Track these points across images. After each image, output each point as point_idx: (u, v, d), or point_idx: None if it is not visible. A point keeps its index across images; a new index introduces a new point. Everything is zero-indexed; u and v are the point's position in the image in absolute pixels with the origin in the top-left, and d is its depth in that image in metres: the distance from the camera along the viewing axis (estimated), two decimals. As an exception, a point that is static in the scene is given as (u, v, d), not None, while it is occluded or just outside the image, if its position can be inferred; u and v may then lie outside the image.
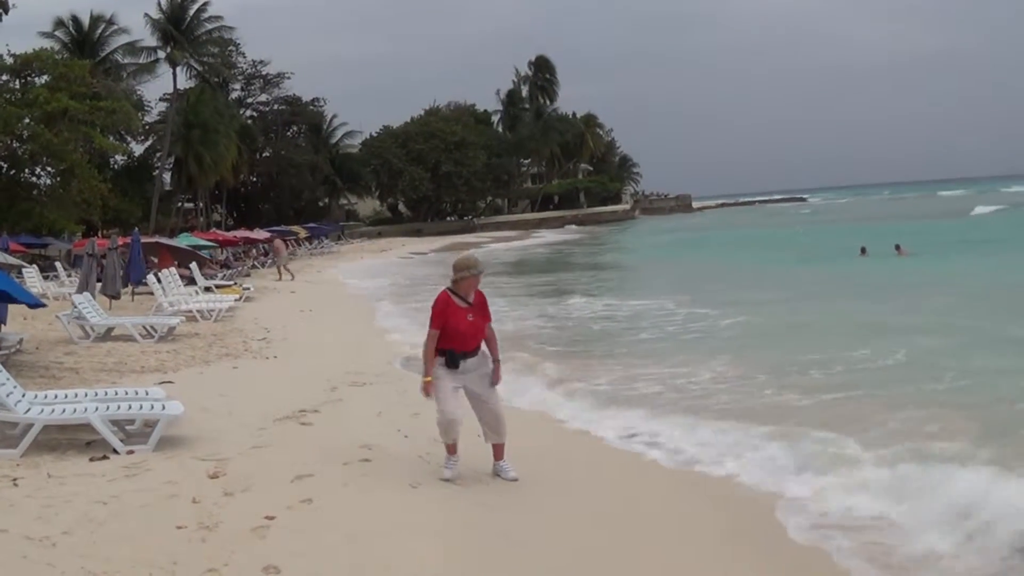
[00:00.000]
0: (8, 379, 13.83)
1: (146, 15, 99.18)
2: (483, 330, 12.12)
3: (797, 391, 17.28)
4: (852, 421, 14.49)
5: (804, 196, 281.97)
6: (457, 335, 11.84)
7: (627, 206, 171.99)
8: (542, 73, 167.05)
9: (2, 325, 23.15)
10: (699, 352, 22.32)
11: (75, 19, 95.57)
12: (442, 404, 11.91)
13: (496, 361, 12.28)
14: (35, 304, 22.76)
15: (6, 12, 66.29)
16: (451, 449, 12.12)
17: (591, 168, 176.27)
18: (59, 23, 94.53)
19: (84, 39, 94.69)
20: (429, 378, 11.92)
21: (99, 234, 47.39)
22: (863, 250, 52.69)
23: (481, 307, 12.09)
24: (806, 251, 60.66)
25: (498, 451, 12.36)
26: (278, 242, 62.77)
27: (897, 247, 51.39)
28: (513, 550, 9.73)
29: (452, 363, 11.84)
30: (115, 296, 32.85)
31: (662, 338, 25.78)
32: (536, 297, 38.99)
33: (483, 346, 12.18)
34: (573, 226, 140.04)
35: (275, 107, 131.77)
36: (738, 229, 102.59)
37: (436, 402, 11.97)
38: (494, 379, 12.18)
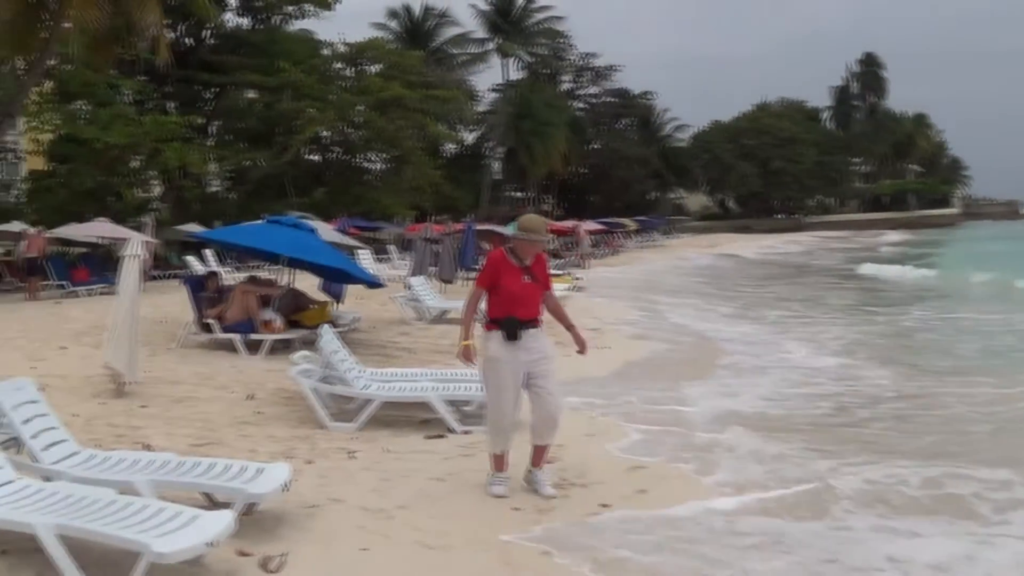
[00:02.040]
0: (348, 356, 14.02)
1: (472, 6, 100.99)
2: (540, 298, 10.37)
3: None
4: None
5: None
6: (513, 298, 10.09)
7: (956, 210, 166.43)
8: (871, 70, 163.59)
9: (339, 304, 23.66)
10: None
11: (407, 10, 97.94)
12: (499, 395, 10.18)
13: (571, 327, 10.70)
14: (374, 283, 23.19)
15: (339, 1, 68.18)
16: (500, 463, 10.37)
17: (921, 169, 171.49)
18: (392, 14, 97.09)
19: (416, 29, 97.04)
20: (468, 341, 10.17)
21: (429, 219, 48.42)
22: None
23: (540, 272, 10.38)
24: None
25: (539, 455, 10.38)
26: (581, 231, 62.57)
27: None
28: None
29: (511, 334, 10.01)
30: (449, 280, 33.29)
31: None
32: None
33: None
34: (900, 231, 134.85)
35: (605, 99, 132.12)
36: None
37: (488, 391, 10.38)
38: (579, 346, 10.70)
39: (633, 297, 35.62)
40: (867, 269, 55.00)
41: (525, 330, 10.08)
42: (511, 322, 10.03)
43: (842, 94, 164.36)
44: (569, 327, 10.70)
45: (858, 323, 28.54)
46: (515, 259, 10.23)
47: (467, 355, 10.16)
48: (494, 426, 10.26)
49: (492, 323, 10.15)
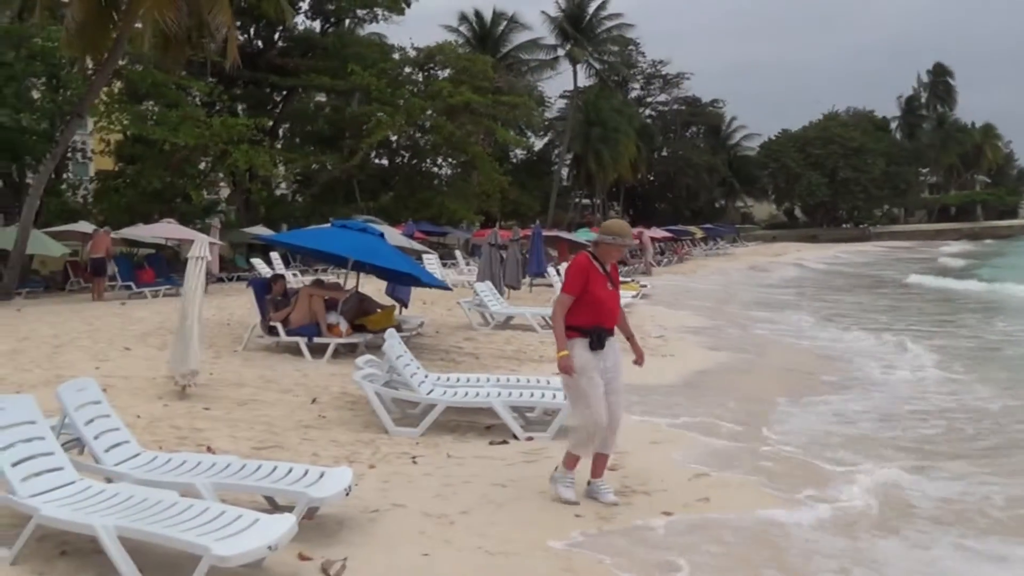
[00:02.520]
0: (412, 360, 14.03)
1: (543, 12, 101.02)
2: (619, 305, 10.28)
3: None
4: None
5: None
6: (599, 306, 9.93)
7: (1023, 221, 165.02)
8: (941, 80, 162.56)
9: (404, 308, 23.68)
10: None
11: (478, 15, 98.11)
12: (593, 402, 9.84)
13: (632, 336, 10.57)
14: (442, 287, 23.23)
15: (408, 6, 68.53)
16: (575, 463, 10.16)
17: (988, 180, 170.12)
18: (463, 18, 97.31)
19: (486, 34, 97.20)
20: (566, 352, 9.76)
21: (497, 225, 48.51)
22: None
23: (616, 279, 10.27)
24: None
25: (599, 466, 10.23)
26: (646, 238, 62.28)
27: None
28: None
29: (599, 343, 9.87)
30: (515, 287, 33.27)
31: None
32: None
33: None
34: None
35: (674, 107, 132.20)
36: None
37: (578, 399, 10.01)
38: (637, 356, 10.42)
39: (700, 306, 35.46)
40: (914, 279, 54.35)
41: (608, 339, 10.01)
42: (600, 331, 9.91)
43: (910, 104, 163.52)
44: (629, 336, 10.56)
45: (943, 335, 28.14)
46: (599, 265, 10.06)
47: (568, 367, 9.78)
48: (587, 434, 9.94)
49: (575, 331, 9.90)
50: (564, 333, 9.90)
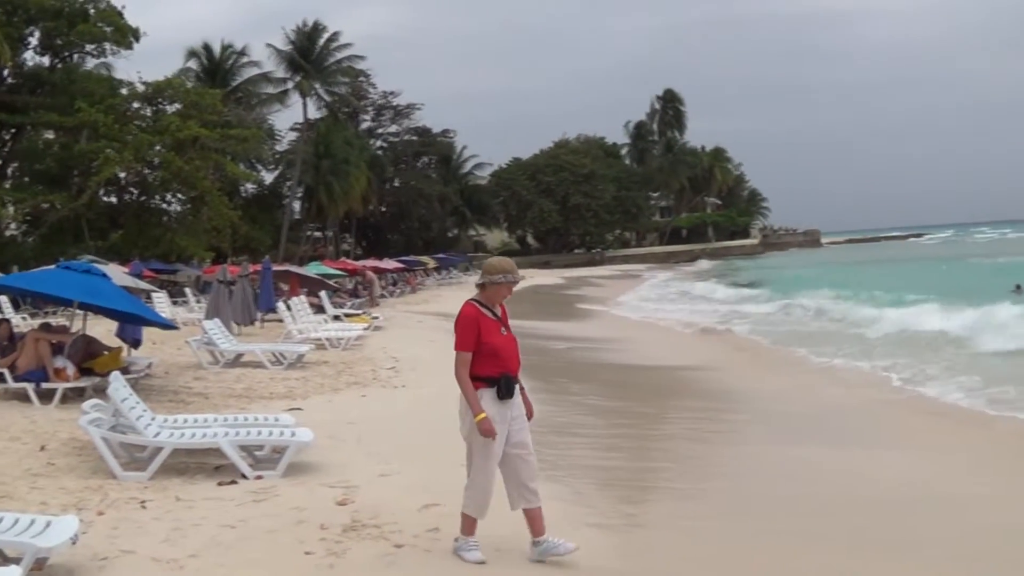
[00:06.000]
0: (138, 403, 13.98)
1: (269, 45, 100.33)
2: (518, 350, 9.86)
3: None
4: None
5: (920, 233, 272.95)
6: (499, 353, 9.55)
7: (755, 241, 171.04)
8: (670, 106, 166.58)
9: (135, 349, 23.48)
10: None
11: (207, 48, 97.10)
12: (491, 459, 9.59)
13: (523, 389, 9.95)
14: (167, 326, 23.10)
15: (136, 40, 67.84)
16: (474, 527, 9.80)
17: (719, 202, 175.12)
18: (191, 53, 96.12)
19: (216, 68, 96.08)
20: (484, 414, 9.34)
21: (228, 261, 48.06)
22: (1019, 287, 49.64)
23: (506, 322, 9.85)
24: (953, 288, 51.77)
25: (536, 523, 9.78)
26: (371, 274, 62.62)
27: (1017, 287, 49.68)
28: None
29: (507, 391, 9.49)
30: (246, 323, 33.16)
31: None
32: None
33: None
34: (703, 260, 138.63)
35: (405, 138, 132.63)
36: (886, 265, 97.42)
37: (477, 455, 9.65)
38: (528, 411, 9.94)
39: (433, 336, 35.75)
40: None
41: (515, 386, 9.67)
42: (508, 380, 9.52)
43: (639, 129, 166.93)
44: (520, 388, 9.88)
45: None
46: (488, 311, 9.67)
47: (489, 430, 9.34)
48: (482, 491, 9.63)
49: (481, 381, 9.51)
50: (475, 393, 9.46)
